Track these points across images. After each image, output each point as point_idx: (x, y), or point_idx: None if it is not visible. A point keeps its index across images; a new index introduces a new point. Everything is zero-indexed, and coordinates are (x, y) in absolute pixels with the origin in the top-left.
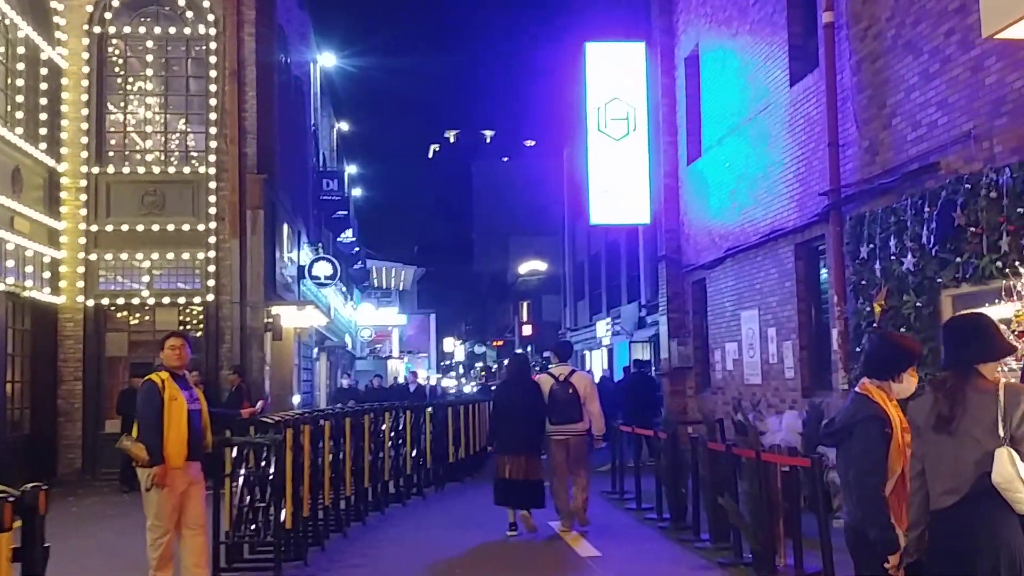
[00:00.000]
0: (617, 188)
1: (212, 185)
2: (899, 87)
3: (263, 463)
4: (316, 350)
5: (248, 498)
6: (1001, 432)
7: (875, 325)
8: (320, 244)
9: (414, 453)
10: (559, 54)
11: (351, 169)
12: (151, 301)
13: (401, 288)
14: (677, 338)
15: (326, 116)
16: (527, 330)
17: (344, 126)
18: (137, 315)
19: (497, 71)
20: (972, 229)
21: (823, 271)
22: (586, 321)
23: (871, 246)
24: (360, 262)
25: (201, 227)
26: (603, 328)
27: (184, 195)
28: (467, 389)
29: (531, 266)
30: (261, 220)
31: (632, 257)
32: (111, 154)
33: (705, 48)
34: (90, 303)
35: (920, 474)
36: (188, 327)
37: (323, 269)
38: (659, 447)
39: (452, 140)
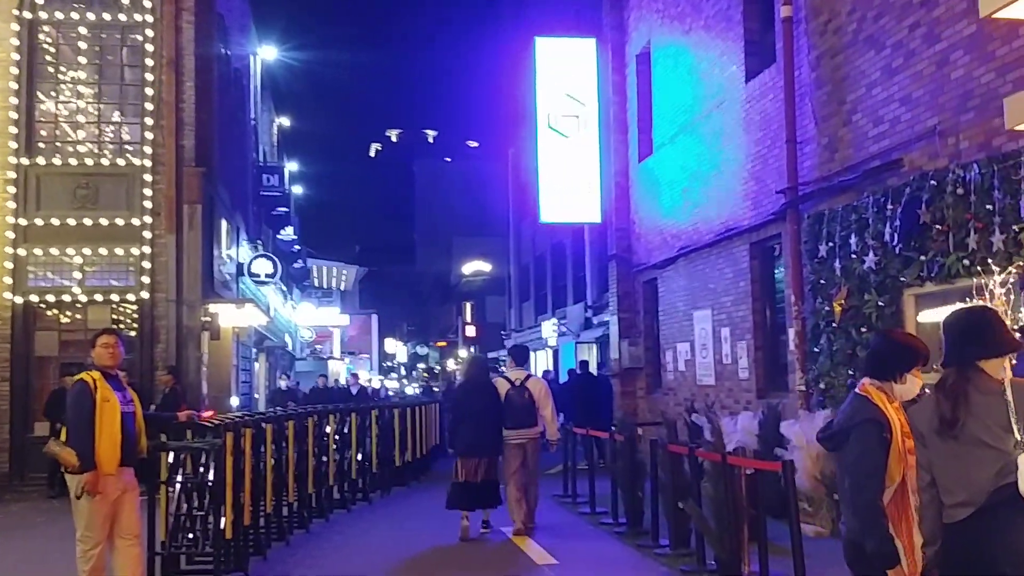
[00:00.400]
0: (567, 186)
1: (148, 178)
2: (860, 83)
3: (201, 469)
4: (255, 351)
5: (185, 506)
6: (1018, 435)
7: (834, 325)
8: (260, 241)
9: (359, 457)
10: (507, 50)
11: (292, 166)
12: (83, 299)
13: (343, 288)
14: (628, 338)
15: (266, 111)
16: (470, 331)
17: (285, 122)
18: (68, 313)
19: (441, 71)
20: (938, 227)
21: (779, 270)
22: (531, 322)
23: (830, 244)
24: (300, 260)
25: (136, 222)
26: (549, 329)
27: (118, 188)
28: (409, 391)
29: (475, 267)
30: (199, 215)
31: (578, 258)
32: (42, 145)
33: (657, 44)
34: (18, 300)
35: (930, 485)
36: (122, 326)
37: (263, 267)
38: (612, 449)
39: (394, 140)
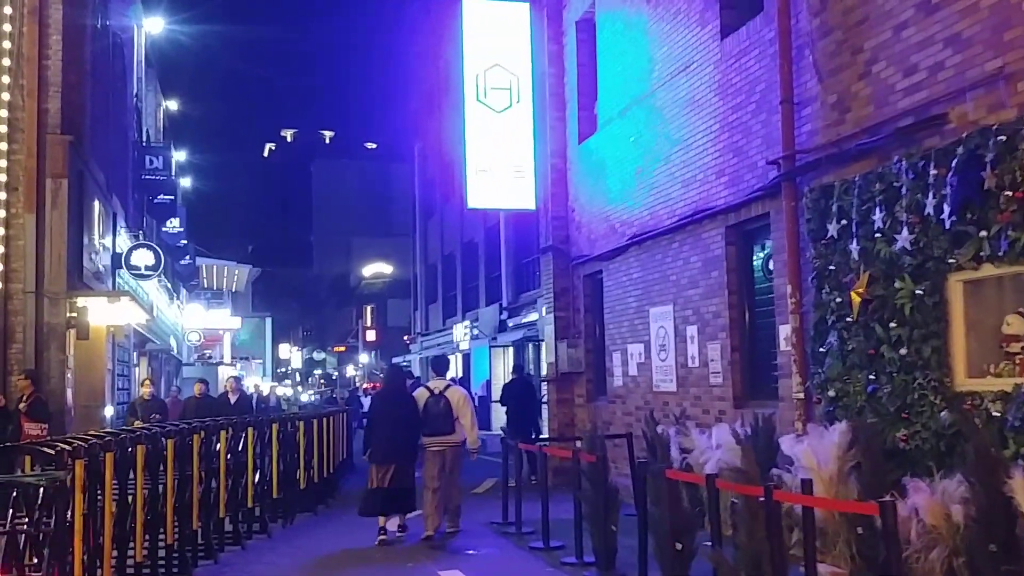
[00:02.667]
0: (498, 167)
1: (2, 146)
2: (883, 25)
3: (39, 512)
4: (136, 354)
5: (13, 562)
6: None
7: (849, 320)
8: (142, 232)
9: (256, 480)
10: (424, 21)
11: (180, 156)
12: None
13: (234, 289)
14: (566, 339)
15: (151, 91)
16: (371, 335)
17: (173, 105)
18: None
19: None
20: (1008, 193)
21: (760, 257)
22: (439, 325)
23: (843, 223)
24: (188, 257)
25: None
26: (461, 331)
27: None
28: (304, 398)
29: (376, 269)
30: (65, 192)
31: (492, 256)
32: None
33: (603, 7)
34: None
35: None
36: None
37: (144, 258)
38: (544, 466)
39: (289, 139)
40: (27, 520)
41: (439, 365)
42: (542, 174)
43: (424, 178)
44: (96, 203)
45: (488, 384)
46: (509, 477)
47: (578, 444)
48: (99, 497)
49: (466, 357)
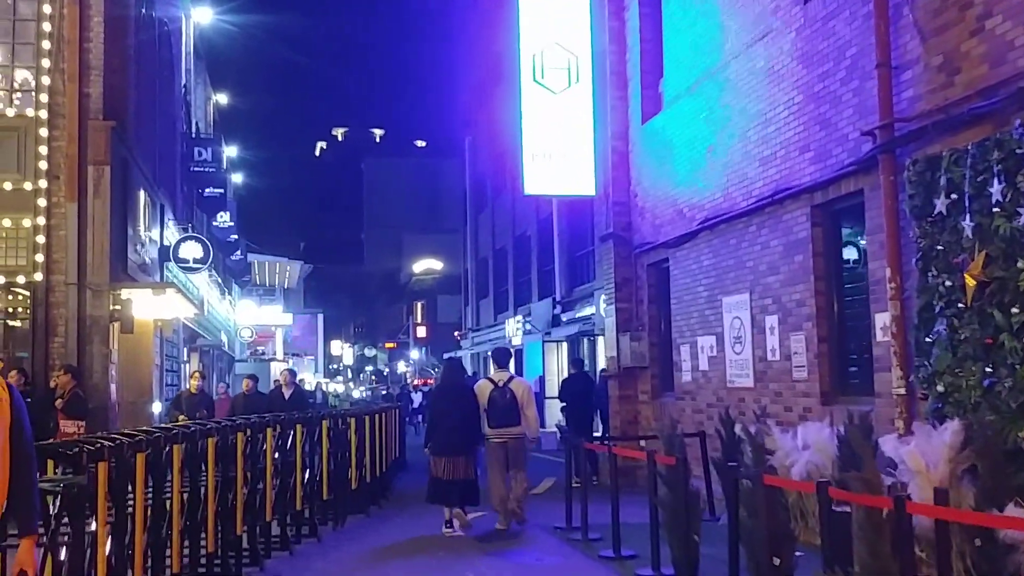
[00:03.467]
0: (556, 152)
1: (43, 133)
2: None
3: (54, 522)
4: (186, 349)
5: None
6: None
7: (962, 306)
8: (191, 226)
9: (305, 480)
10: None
11: (231, 151)
12: None
13: (286, 286)
14: (629, 332)
15: (201, 83)
16: (421, 332)
17: (223, 99)
18: None
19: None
20: None
21: (854, 238)
22: (490, 320)
23: (953, 197)
24: (239, 252)
25: (28, 186)
26: (513, 326)
27: (6, 145)
28: (356, 394)
29: (426, 265)
30: (107, 179)
31: (545, 249)
32: None
33: None
34: None
35: None
36: (10, 315)
37: (192, 250)
38: (613, 465)
39: (340, 138)
40: (43, 530)
41: (501, 357)
42: (602, 158)
43: (475, 171)
44: (141, 193)
45: (542, 380)
46: (572, 478)
47: (642, 444)
48: (130, 502)
49: (518, 352)
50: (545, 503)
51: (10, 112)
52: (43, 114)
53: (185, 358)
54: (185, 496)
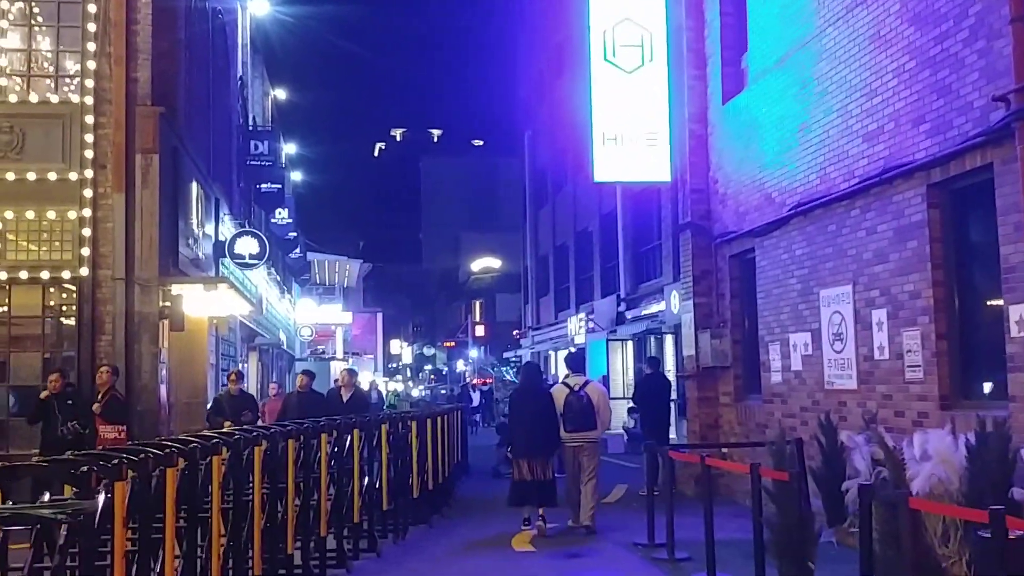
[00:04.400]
0: (628, 135)
1: (89, 120)
2: None
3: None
4: (244, 348)
5: None
6: None
7: None
8: (247, 222)
9: (363, 489)
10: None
11: (289, 148)
12: (3, 276)
13: (345, 284)
14: (709, 329)
15: (258, 78)
16: (480, 331)
17: (281, 94)
18: None
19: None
20: None
21: (982, 220)
22: (551, 319)
23: None
24: (298, 250)
25: (73, 176)
26: (575, 324)
27: (51, 133)
28: (415, 393)
29: (484, 263)
30: (156, 168)
31: (608, 245)
32: None
33: None
34: None
35: None
36: (55, 311)
37: (248, 246)
38: (706, 475)
39: (399, 139)
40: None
41: (575, 362)
42: (679, 141)
43: (534, 167)
44: (194, 185)
45: (606, 379)
46: (653, 488)
47: (724, 451)
48: (158, 525)
49: (580, 351)
50: (619, 513)
51: (54, 98)
52: (89, 100)
53: (243, 357)
54: (227, 513)
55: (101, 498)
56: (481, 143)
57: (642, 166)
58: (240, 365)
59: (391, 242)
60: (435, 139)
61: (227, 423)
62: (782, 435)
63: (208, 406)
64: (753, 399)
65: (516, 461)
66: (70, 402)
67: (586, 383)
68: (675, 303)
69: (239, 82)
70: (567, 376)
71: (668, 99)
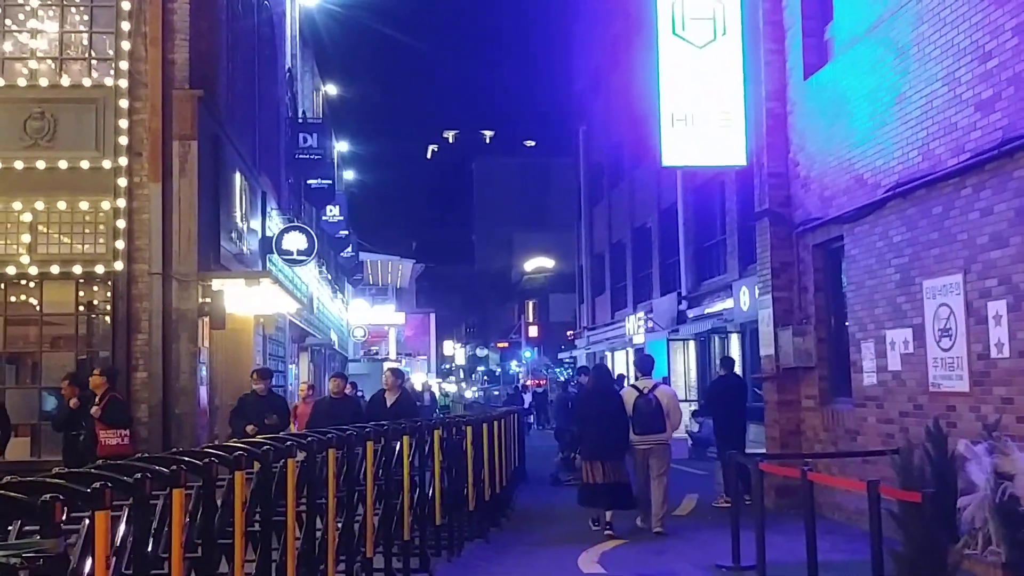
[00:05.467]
0: (699, 115)
1: (123, 104)
2: None
3: None
4: (295, 348)
5: None
6: None
7: None
8: (297, 218)
9: (414, 501)
10: None
11: (341, 147)
12: (33, 271)
13: (398, 285)
14: (790, 326)
15: (308, 72)
16: (533, 331)
17: (332, 90)
18: (14, 292)
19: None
20: None
21: None
22: (607, 318)
23: None
24: (350, 249)
25: (107, 164)
26: (633, 324)
27: (83, 119)
28: (468, 394)
29: (537, 263)
30: (194, 156)
31: (668, 241)
32: None
33: None
34: None
35: None
36: (88, 308)
37: (296, 241)
38: (808, 490)
39: (451, 141)
40: None
41: (644, 365)
42: (755, 121)
43: (589, 163)
44: (237, 176)
45: (666, 381)
46: (741, 498)
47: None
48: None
49: (638, 352)
50: (694, 528)
51: (87, 82)
52: (123, 83)
53: (294, 358)
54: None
55: (83, 528)
56: (533, 143)
57: (714, 149)
58: (292, 367)
59: (443, 243)
60: (487, 140)
61: (250, 427)
62: (909, 447)
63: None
64: (841, 403)
65: (587, 463)
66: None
67: (655, 385)
68: (744, 300)
69: (287, 74)
70: (636, 378)
71: (743, 75)
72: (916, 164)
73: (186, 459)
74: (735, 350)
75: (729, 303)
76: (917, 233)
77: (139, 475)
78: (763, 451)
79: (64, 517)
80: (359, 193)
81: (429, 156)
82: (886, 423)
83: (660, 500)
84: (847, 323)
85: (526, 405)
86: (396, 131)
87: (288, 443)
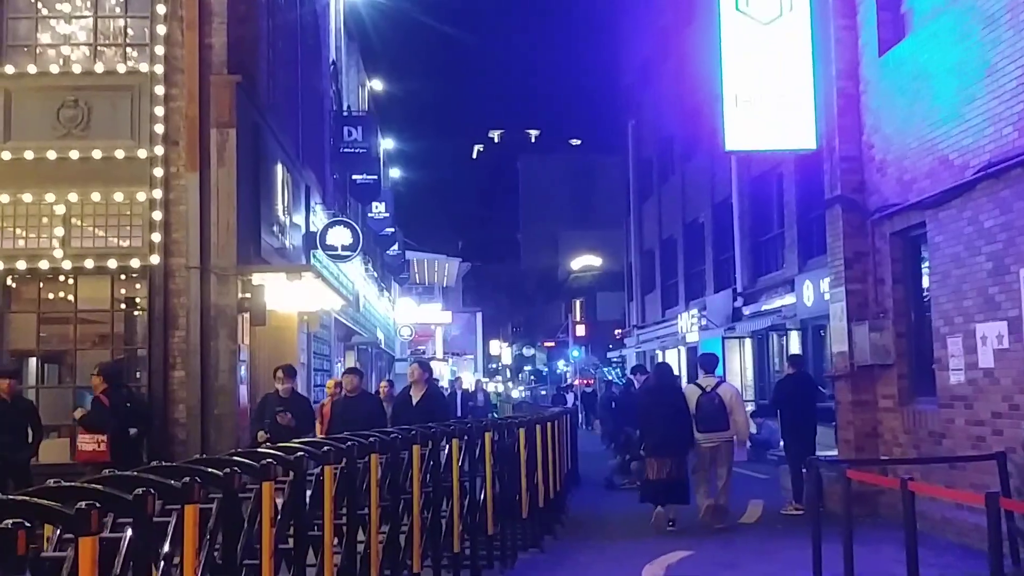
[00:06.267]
0: (766, 96)
1: (159, 91)
2: None
3: None
4: (341, 347)
5: None
6: None
7: None
8: (343, 214)
9: (464, 509)
10: None
11: (387, 144)
12: (67, 266)
13: (444, 284)
14: (866, 320)
15: (353, 67)
16: (580, 330)
17: (377, 85)
18: (48, 288)
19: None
20: None
21: None
22: (657, 316)
23: None
24: (396, 247)
25: (142, 154)
26: (687, 321)
27: (118, 106)
28: (515, 394)
29: (584, 261)
30: (233, 144)
31: (722, 236)
32: (10, 47)
33: None
34: None
35: None
36: (124, 304)
37: (340, 236)
38: (910, 502)
39: (496, 140)
40: None
41: (708, 363)
42: (825, 103)
43: (639, 158)
44: (279, 168)
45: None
46: (817, 507)
47: (902, 470)
48: None
49: (691, 350)
50: (764, 539)
51: (121, 68)
52: (159, 69)
53: (340, 357)
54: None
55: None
56: (579, 142)
57: (781, 132)
58: (336, 365)
59: (489, 242)
60: (532, 139)
61: (260, 433)
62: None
63: (314, 404)
64: (924, 403)
65: (649, 460)
66: (128, 404)
67: (718, 383)
68: (808, 295)
69: (332, 67)
70: (699, 377)
71: (811, 53)
72: (1011, 141)
73: (204, 469)
74: (795, 348)
75: (788, 299)
76: (1012, 217)
77: (141, 491)
78: (832, 454)
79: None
80: (405, 192)
81: (475, 156)
82: (976, 425)
83: (725, 497)
84: (930, 316)
85: (568, 405)
86: (441, 130)
87: (325, 448)
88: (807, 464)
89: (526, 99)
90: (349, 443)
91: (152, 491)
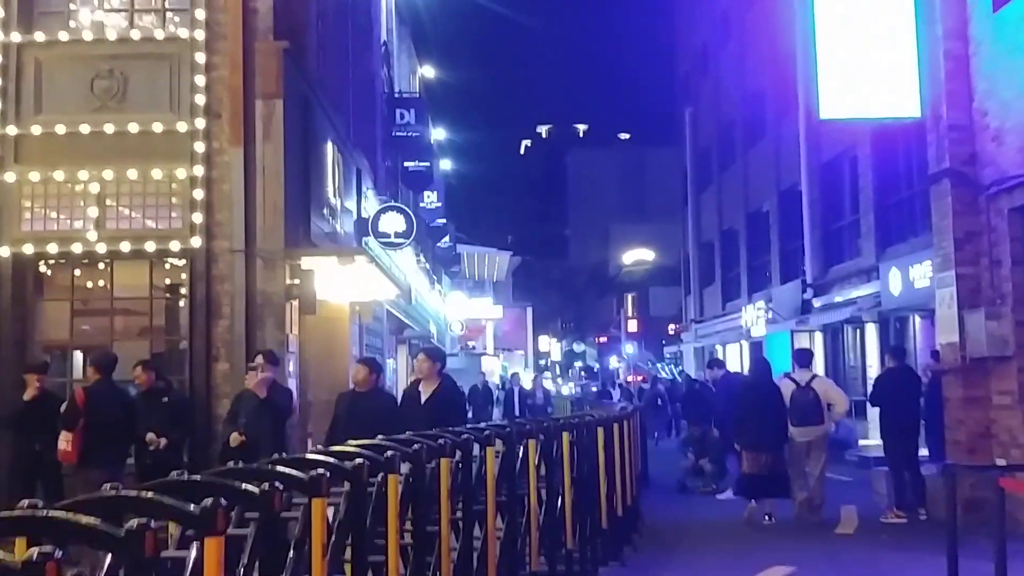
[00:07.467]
0: (863, 60)
1: (200, 59)
2: None
3: None
4: (393, 341)
5: None
6: None
7: None
8: (395, 201)
9: (540, 520)
10: None
11: (438, 134)
12: (101, 249)
13: (495, 279)
14: (981, 308)
15: (404, 51)
16: (632, 325)
17: (429, 72)
18: (81, 273)
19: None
20: None
21: None
22: (717, 310)
23: None
24: (447, 239)
25: (183, 127)
26: (752, 314)
27: (157, 76)
28: (565, 391)
29: (636, 255)
30: (280, 117)
31: (789, 225)
32: (41, 13)
33: None
34: (4, 254)
35: None
36: (163, 290)
37: (393, 223)
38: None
39: (544, 135)
40: None
41: (802, 358)
42: (931, 66)
43: (696, 147)
44: (329, 146)
45: (788, 376)
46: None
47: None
48: None
49: (756, 346)
50: (869, 551)
51: (159, 34)
52: (199, 35)
53: (391, 351)
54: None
55: None
56: (628, 136)
57: (881, 99)
58: (390, 361)
59: (538, 237)
60: (581, 134)
61: (234, 435)
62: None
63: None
64: None
65: (746, 453)
66: (166, 399)
67: (813, 377)
68: (895, 283)
69: (383, 48)
70: (794, 371)
71: (914, 11)
72: None
73: (231, 484)
74: (872, 342)
75: (865, 289)
76: None
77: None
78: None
79: None
80: (456, 184)
81: (522, 152)
82: None
83: (819, 491)
84: None
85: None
86: (490, 123)
87: (389, 454)
88: (944, 470)
89: (574, 92)
90: (416, 445)
91: (279, 486)
